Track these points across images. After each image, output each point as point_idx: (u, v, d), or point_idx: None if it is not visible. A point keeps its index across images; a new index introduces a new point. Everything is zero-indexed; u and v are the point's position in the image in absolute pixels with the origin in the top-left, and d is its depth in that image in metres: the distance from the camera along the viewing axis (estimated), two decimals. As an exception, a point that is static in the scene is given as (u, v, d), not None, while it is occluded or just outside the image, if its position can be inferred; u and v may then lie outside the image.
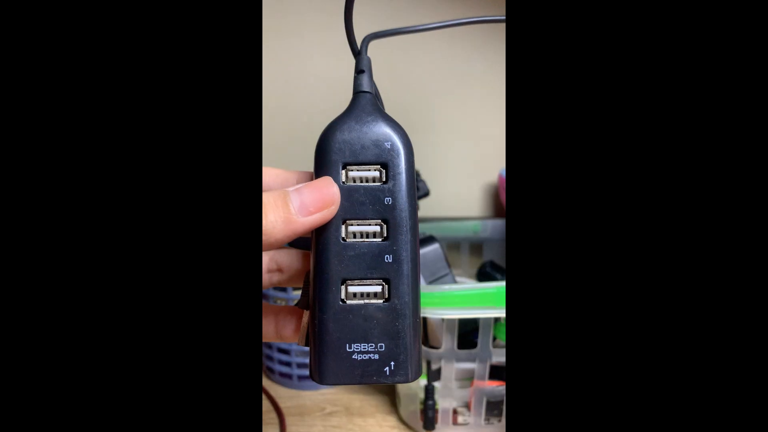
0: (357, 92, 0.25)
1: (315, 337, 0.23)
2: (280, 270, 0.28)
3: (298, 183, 0.25)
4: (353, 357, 0.23)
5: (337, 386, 0.53)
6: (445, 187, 0.73)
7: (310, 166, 0.25)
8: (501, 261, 0.66)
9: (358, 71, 0.25)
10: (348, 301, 0.23)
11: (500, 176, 0.69)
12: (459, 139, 0.74)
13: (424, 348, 0.46)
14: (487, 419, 0.49)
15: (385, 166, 0.23)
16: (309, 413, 0.52)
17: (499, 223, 0.67)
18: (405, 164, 0.24)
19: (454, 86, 0.72)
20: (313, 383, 0.55)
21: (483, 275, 0.63)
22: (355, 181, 0.24)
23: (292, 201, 0.22)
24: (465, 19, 0.27)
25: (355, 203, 0.23)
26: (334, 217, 0.23)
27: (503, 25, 0.23)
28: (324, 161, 0.24)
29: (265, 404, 0.53)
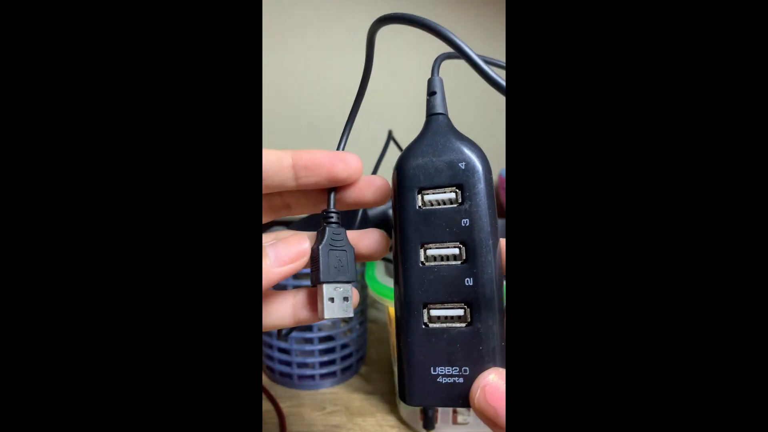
0: (430, 114, 0.25)
1: (401, 359, 0.23)
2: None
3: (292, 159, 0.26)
4: (438, 380, 0.23)
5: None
6: (445, 187, 0.73)
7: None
8: (501, 261, 0.65)
9: (430, 93, 0.25)
10: (431, 325, 0.23)
11: (500, 176, 0.69)
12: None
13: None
14: (487, 419, 0.49)
15: (460, 187, 0.23)
16: (309, 413, 0.51)
17: (499, 223, 0.67)
18: (482, 183, 0.23)
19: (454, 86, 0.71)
20: (313, 383, 0.56)
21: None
22: (432, 205, 0.23)
23: (268, 255, 0.24)
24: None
25: (431, 226, 0.23)
26: (412, 241, 0.23)
27: (503, 25, 0.23)
28: (400, 188, 0.24)
29: (265, 404, 0.53)
